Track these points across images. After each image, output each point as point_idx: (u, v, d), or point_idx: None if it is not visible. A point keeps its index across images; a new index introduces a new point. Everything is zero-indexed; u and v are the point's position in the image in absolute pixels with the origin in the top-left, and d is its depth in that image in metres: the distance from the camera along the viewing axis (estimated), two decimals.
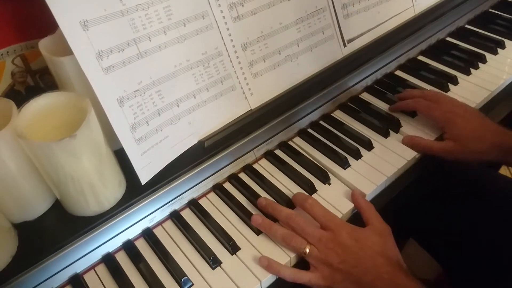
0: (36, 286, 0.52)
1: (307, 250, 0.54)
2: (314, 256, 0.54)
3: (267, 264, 0.55)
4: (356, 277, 0.51)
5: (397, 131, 0.73)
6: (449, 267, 0.80)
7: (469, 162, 0.67)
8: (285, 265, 0.55)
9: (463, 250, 0.73)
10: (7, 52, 0.60)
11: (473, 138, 0.65)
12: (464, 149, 0.66)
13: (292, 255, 0.56)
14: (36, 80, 0.65)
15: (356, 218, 0.60)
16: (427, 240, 0.83)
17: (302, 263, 0.56)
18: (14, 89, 0.63)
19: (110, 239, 0.57)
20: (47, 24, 0.55)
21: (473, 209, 0.72)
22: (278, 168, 0.68)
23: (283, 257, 0.56)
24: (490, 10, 1.03)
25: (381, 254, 0.52)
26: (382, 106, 0.78)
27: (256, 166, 0.69)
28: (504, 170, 1.42)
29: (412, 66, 0.87)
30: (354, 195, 0.61)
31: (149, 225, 0.60)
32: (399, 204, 0.69)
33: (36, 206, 0.56)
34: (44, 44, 0.55)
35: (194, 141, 0.64)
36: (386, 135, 0.71)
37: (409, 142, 0.70)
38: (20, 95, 0.64)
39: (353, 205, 0.61)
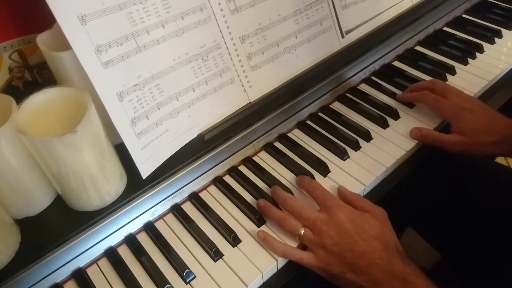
0: (39, 280, 0.52)
1: (302, 232, 0.54)
2: (308, 238, 0.54)
3: (263, 238, 0.56)
4: (350, 261, 0.51)
5: (395, 121, 0.73)
6: (448, 254, 0.81)
7: (477, 155, 0.66)
8: (280, 241, 0.56)
9: (462, 237, 0.73)
10: (4, 47, 0.60)
11: (481, 131, 0.65)
12: (473, 142, 0.65)
13: (295, 244, 0.56)
14: (34, 75, 0.65)
15: None
16: (425, 228, 0.84)
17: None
18: (12, 85, 0.63)
19: (112, 233, 0.57)
20: (44, 19, 0.55)
21: (472, 196, 0.73)
22: (277, 160, 0.68)
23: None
24: None
25: (377, 238, 0.52)
26: (381, 97, 0.78)
27: (255, 158, 0.69)
28: (501, 159, 1.43)
29: (410, 57, 0.87)
30: (340, 192, 0.60)
31: (151, 218, 0.61)
32: (397, 193, 0.69)
33: (37, 201, 0.56)
34: (42, 39, 0.55)
35: (194, 135, 0.64)
36: (385, 126, 0.72)
37: (418, 134, 0.68)
38: (18, 90, 0.64)
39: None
